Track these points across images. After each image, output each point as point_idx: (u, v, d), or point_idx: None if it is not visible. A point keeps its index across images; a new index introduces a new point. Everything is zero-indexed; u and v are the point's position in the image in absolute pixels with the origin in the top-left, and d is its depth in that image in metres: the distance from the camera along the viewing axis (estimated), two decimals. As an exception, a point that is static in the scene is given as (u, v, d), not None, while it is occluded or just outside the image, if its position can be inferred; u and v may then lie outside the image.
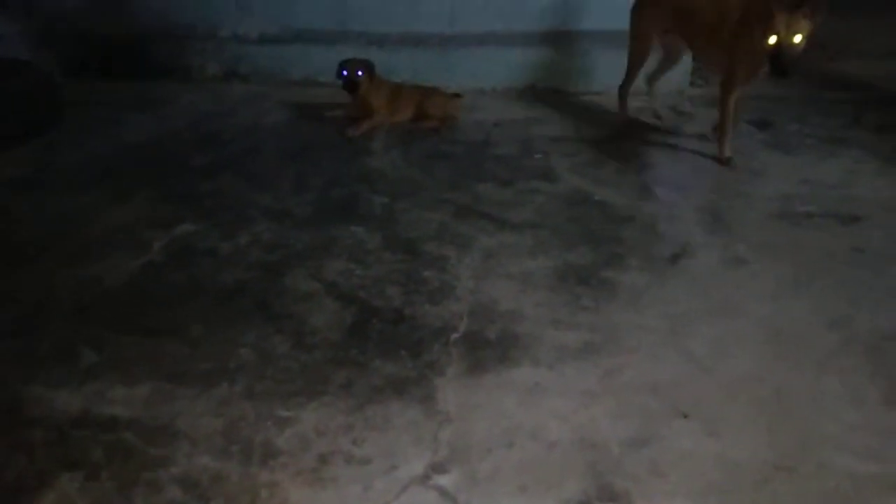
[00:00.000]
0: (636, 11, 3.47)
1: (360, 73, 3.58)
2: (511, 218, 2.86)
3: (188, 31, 4.28)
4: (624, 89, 3.68)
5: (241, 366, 2.10)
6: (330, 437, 1.86)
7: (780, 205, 2.92)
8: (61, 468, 1.77)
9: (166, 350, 2.16)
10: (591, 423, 1.89)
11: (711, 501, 1.68)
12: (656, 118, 3.67)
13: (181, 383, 2.03)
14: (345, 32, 4.14)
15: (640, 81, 3.79)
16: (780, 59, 2.75)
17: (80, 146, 3.51)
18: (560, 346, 2.17)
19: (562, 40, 4.11)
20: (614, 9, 4.00)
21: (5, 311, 2.35)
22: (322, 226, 2.81)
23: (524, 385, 2.02)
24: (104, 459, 1.79)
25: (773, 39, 2.72)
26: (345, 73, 3.59)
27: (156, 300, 2.40)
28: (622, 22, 3.96)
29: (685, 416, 1.91)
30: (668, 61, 3.58)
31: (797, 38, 2.71)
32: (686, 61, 3.62)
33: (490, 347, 2.16)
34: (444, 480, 1.73)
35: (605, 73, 4.06)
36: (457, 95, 3.81)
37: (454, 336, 2.21)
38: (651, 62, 3.59)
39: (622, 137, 3.62)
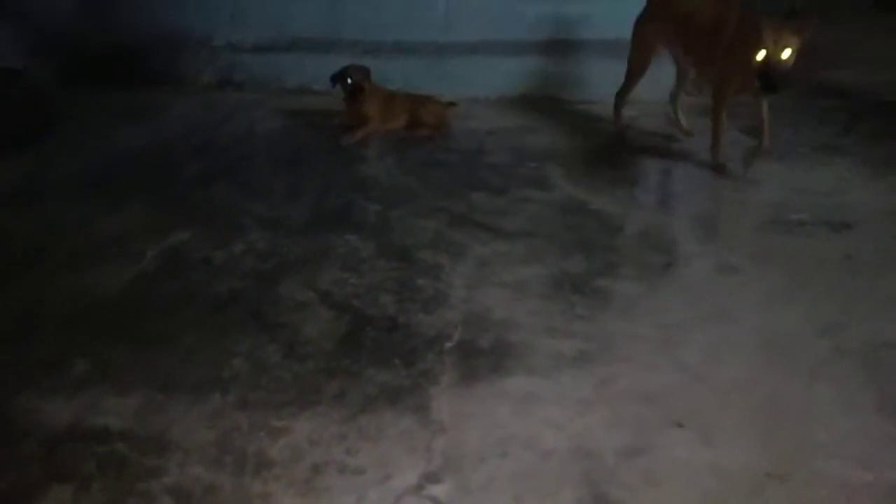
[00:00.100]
0: (640, 23, 3.46)
1: (349, 81, 3.59)
2: (505, 226, 2.86)
3: (182, 39, 4.28)
4: (620, 98, 3.68)
5: (234, 375, 2.09)
6: (323, 447, 1.85)
7: (772, 212, 2.93)
8: (52, 480, 1.76)
9: (159, 360, 2.15)
10: (585, 432, 1.89)
11: (705, 510, 1.68)
12: (684, 134, 3.62)
13: (174, 393, 2.02)
14: (339, 41, 4.15)
15: (636, 92, 3.82)
16: (769, 75, 2.75)
17: (73, 155, 3.50)
18: (554, 354, 2.17)
19: (555, 49, 4.12)
20: (608, 18, 4.03)
21: (-3, 320, 2.34)
22: (316, 234, 2.81)
23: (518, 394, 2.02)
24: (96, 471, 1.78)
25: (761, 55, 2.72)
26: (350, 80, 3.59)
27: (148, 309, 2.39)
28: (615, 31, 3.97)
29: (679, 425, 1.91)
30: (683, 76, 3.56)
31: (786, 54, 2.71)
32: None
33: (484, 356, 2.16)
34: (437, 490, 1.73)
35: (598, 82, 4.07)
36: (451, 104, 3.82)
37: (448, 345, 2.21)
38: (658, 75, 3.60)
39: (616, 146, 3.63)
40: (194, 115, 3.97)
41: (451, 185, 3.18)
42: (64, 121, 3.79)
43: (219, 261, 2.65)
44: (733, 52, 2.90)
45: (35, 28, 4.31)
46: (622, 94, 3.66)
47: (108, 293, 2.47)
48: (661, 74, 3.95)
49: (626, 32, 4.05)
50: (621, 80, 3.72)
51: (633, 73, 3.56)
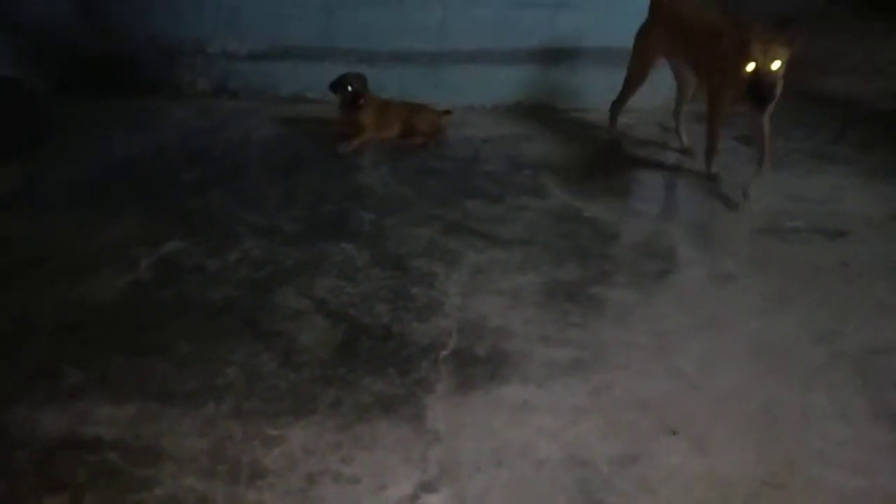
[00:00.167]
0: (642, 34, 3.45)
1: (349, 89, 3.59)
2: (500, 234, 2.86)
3: (177, 47, 4.27)
4: (616, 107, 3.68)
5: (228, 384, 2.08)
6: (318, 457, 1.84)
7: (767, 220, 2.94)
8: (45, 490, 1.75)
9: (152, 369, 2.15)
10: (580, 440, 1.89)
11: (701, 519, 1.68)
12: (684, 151, 3.60)
13: (167, 403, 2.01)
14: (333, 49, 4.15)
15: (631, 100, 3.84)
16: (758, 87, 2.73)
17: (67, 163, 3.49)
18: (549, 362, 2.17)
19: (550, 58, 4.13)
20: (602, 27, 4.05)
21: (-11, 329, 2.33)
22: (311, 242, 2.80)
23: (513, 403, 2.02)
24: (89, 481, 1.77)
25: (750, 66, 2.72)
26: (350, 88, 3.59)
27: (143, 318, 2.38)
28: (610, 40, 4.00)
29: (674, 433, 1.91)
30: (684, 90, 3.55)
31: (775, 65, 2.71)
32: (671, 78, 3.64)
33: (479, 364, 2.16)
34: (433, 499, 1.73)
35: (593, 91, 4.08)
36: (446, 112, 3.83)
37: (443, 353, 2.20)
38: (655, 83, 3.60)
39: (610, 154, 3.64)
40: (189, 123, 3.96)
41: (447, 194, 3.18)
42: (58, 128, 3.77)
43: (213, 269, 2.64)
44: (726, 63, 2.91)
45: (30, 35, 4.30)
46: (619, 103, 3.66)
47: (103, 301, 2.46)
48: (658, 83, 3.97)
49: (621, 41, 4.06)
50: (616, 88, 3.74)
51: (632, 84, 3.56)
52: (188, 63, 4.29)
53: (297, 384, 2.09)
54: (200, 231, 2.88)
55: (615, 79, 4.06)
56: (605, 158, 3.58)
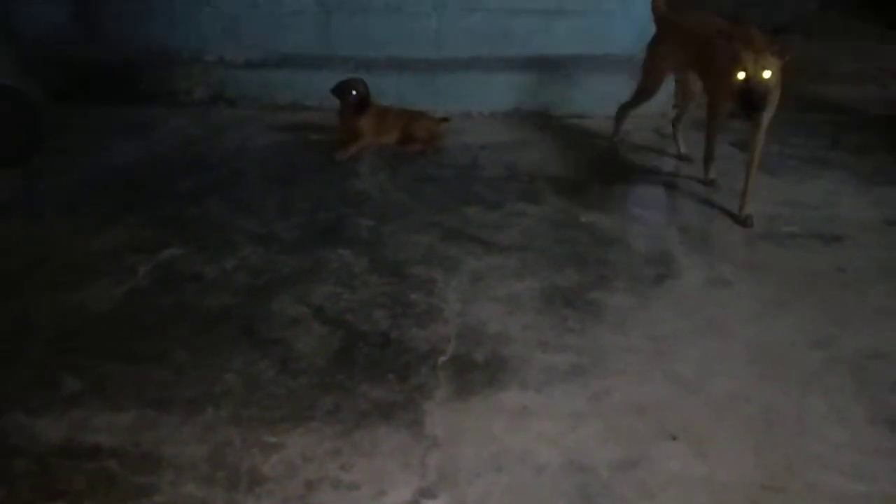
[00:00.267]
0: (651, 48, 3.42)
1: (354, 93, 3.61)
2: (499, 240, 2.87)
3: (174, 55, 4.29)
4: (621, 113, 3.66)
5: (226, 392, 2.08)
6: (317, 463, 1.84)
7: (763, 225, 2.95)
8: (44, 498, 1.75)
9: (151, 376, 2.14)
10: (579, 445, 1.89)
11: (701, 523, 1.68)
12: (681, 158, 3.60)
13: (166, 410, 2.01)
14: (331, 57, 4.16)
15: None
16: (748, 96, 2.71)
17: (64, 171, 3.49)
18: (548, 368, 2.17)
19: (546, 65, 4.15)
20: (597, 34, 4.07)
21: (-13, 338, 2.32)
22: (309, 249, 2.81)
23: (512, 408, 2.02)
24: (88, 489, 1.77)
25: (741, 75, 2.70)
26: (354, 93, 3.60)
27: (140, 326, 2.38)
28: (605, 47, 4.03)
29: (673, 438, 1.91)
30: (687, 101, 3.53)
31: (766, 75, 2.69)
32: (668, 85, 3.66)
33: (478, 370, 2.16)
34: (432, 506, 1.72)
35: (589, 97, 4.11)
36: (444, 119, 3.84)
37: (442, 359, 2.20)
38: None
39: (607, 160, 3.65)
40: (186, 131, 3.97)
41: (445, 200, 3.19)
42: (55, 137, 3.77)
43: (211, 276, 2.64)
44: (720, 71, 2.90)
45: (28, 44, 4.30)
46: (626, 109, 3.63)
47: (100, 309, 2.46)
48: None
49: (617, 49, 4.10)
50: (612, 95, 3.75)
51: (642, 92, 3.52)
52: (185, 71, 4.30)
53: (295, 391, 2.08)
54: (198, 238, 2.88)
55: (611, 86, 4.08)
56: (603, 165, 3.59)
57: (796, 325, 2.36)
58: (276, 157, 3.69)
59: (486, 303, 2.48)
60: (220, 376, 2.14)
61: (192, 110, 4.23)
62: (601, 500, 1.74)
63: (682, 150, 3.59)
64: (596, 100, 4.09)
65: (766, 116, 2.85)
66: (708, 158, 3.27)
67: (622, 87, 4.09)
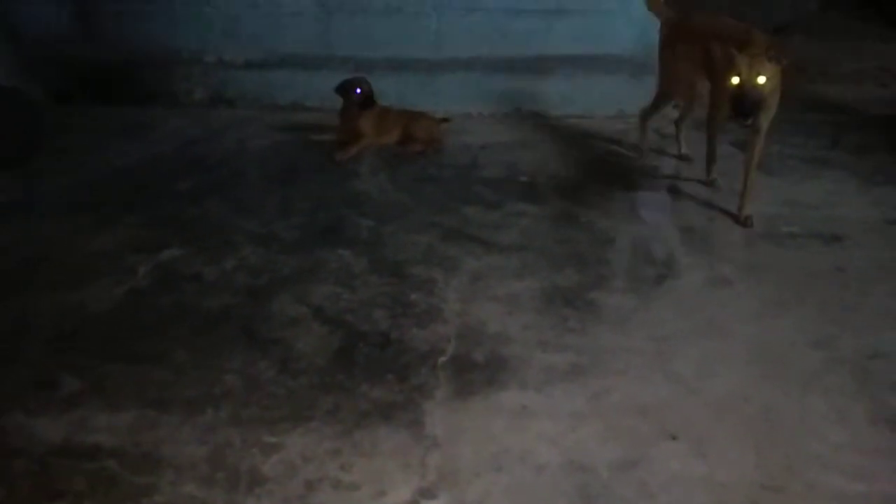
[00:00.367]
0: (661, 49, 3.37)
1: (358, 91, 3.61)
2: (498, 240, 2.87)
3: (174, 56, 4.29)
4: (643, 119, 3.59)
5: (226, 392, 2.08)
6: (317, 463, 1.84)
7: (763, 225, 2.95)
8: (43, 498, 1.74)
9: (150, 377, 2.14)
10: (579, 445, 1.89)
11: (701, 523, 1.68)
12: (681, 158, 3.59)
13: (165, 410, 2.01)
14: (331, 57, 4.16)
15: (626, 105, 3.83)
16: (741, 101, 2.67)
17: (64, 171, 3.49)
18: (547, 368, 2.17)
19: (546, 65, 4.15)
20: (597, 34, 4.07)
21: (-14, 338, 2.32)
22: (308, 250, 2.81)
23: (512, 408, 2.02)
24: (87, 489, 1.77)
25: (735, 80, 2.66)
26: (358, 91, 3.60)
27: (140, 326, 2.38)
28: (605, 47, 4.02)
29: (673, 438, 1.91)
30: (690, 102, 3.45)
31: (760, 80, 2.65)
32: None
33: (478, 370, 2.16)
34: (432, 506, 1.72)
35: (588, 97, 4.11)
36: (444, 120, 3.84)
37: (442, 359, 2.20)
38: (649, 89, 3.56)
39: (607, 159, 3.65)
40: (186, 132, 3.97)
41: (445, 200, 3.19)
42: (55, 138, 3.78)
43: (211, 277, 2.64)
44: (718, 76, 2.88)
45: (28, 45, 4.31)
46: (645, 116, 3.58)
47: (100, 310, 2.46)
48: (651, 89, 3.99)
49: (616, 48, 4.10)
50: (611, 95, 3.76)
51: (659, 98, 3.47)
52: (185, 72, 4.30)
53: (295, 391, 2.08)
54: (198, 239, 2.88)
55: (611, 85, 4.09)
56: (602, 165, 3.59)
57: (796, 325, 2.35)
58: (276, 158, 3.69)
59: (485, 303, 2.48)
60: (220, 376, 2.14)
61: (191, 111, 4.23)
62: (601, 500, 1.73)
63: (683, 150, 3.59)
64: (596, 100, 4.10)
65: (765, 119, 2.83)
66: (710, 159, 3.27)
67: (622, 87, 4.11)
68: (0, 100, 3.61)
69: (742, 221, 2.97)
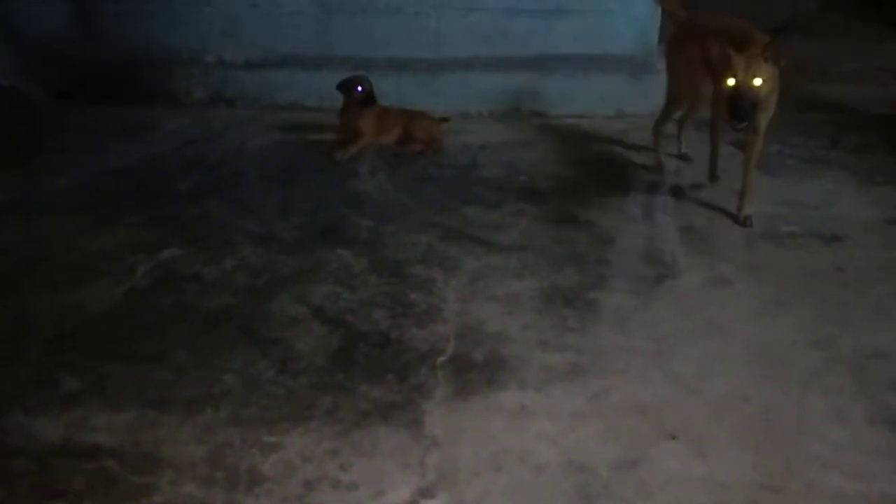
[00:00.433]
0: (671, 50, 3.33)
1: (359, 88, 3.61)
2: (498, 240, 2.87)
3: (174, 56, 4.29)
4: (657, 127, 3.52)
5: (226, 392, 2.08)
6: (316, 463, 1.84)
7: (763, 225, 2.95)
8: (43, 498, 1.74)
9: (150, 376, 2.14)
10: (579, 445, 1.89)
11: (700, 523, 1.68)
12: (682, 158, 3.57)
13: (165, 410, 2.01)
14: (330, 57, 4.17)
15: (624, 105, 3.83)
16: (738, 102, 2.63)
17: (64, 171, 3.49)
18: (547, 368, 2.17)
19: (546, 64, 4.15)
20: (597, 34, 4.07)
21: (-14, 338, 2.32)
22: (308, 250, 2.81)
23: (511, 408, 2.02)
24: (87, 489, 1.76)
25: (731, 81, 2.63)
26: (359, 88, 3.60)
27: (140, 326, 2.38)
28: (605, 46, 4.02)
29: (673, 438, 1.91)
30: (696, 100, 3.40)
31: (757, 82, 2.61)
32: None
33: (477, 370, 2.16)
34: (431, 505, 1.72)
35: (588, 97, 4.11)
36: (444, 119, 3.84)
37: (441, 359, 2.20)
38: (648, 88, 3.53)
39: (607, 159, 3.65)
40: (186, 132, 3.97)
41: (445, 200, 3.19)
42: (55, 137, 3.78)
43: (210, 277, 2.64)
44: (717, 77, 2.86)
45: (28, 45, 4.31)
46: (658, 124, 3.51)
47: (99, 310, 2.46)
48: (652, 88, 3.99)
49: (616, 48, 4.11)
50: (611, 94, 3.76)
51: (670, 103, 3.41)
52: (185, 72, 4.31)
53: (294, 391, 2.08)
54: (197, 239, 2.88)
55: (611, 85, 4.09)
56: (602, 164, 3.59)
57: (796, 325, 2.35)
58: (276, 158, 3.69)
59: (485, 302, 2.48)
60: (220, 376, 2.14)
61: (191, 110, 4.23)
62: (601, 500, 1.73)
63: (683, 149, 3.59)
64: (595, 99, 4.10)
65: (764, 119, 2.81)
66: (712, 160, 3.27)
67: (622, 87, 4.12)
68: (0, 99, 3.61)
69: (742, 221, 2.96)
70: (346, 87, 3.63)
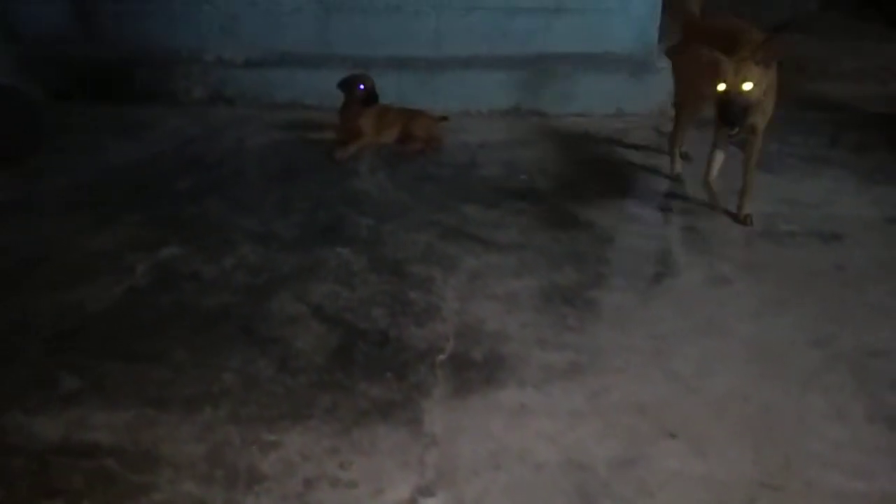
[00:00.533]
0: (674, 55, 3.23)
1: (361, 87, 3.60)
2: (497, 239, 2.86)
3: (173, 55, 4.29)
4: (671, 142, 3.41)
5: (225, 390, 2.08)
6: (315, 461, 1.84)
7: (762, 224, 2.95)
8: (42, 496, 1.74)
9: (149, 375, 2.14)
10: (578, 444, 1.89)
11: (699, 522, 1.68)
12: (681, 157, 3.48)
13: (164, 409, 2.01)
14: (330, 56, 4.16)
15: (623, 104, 3.82)
16: (727, 108, 2.57)
17: (63, 170, 3.49)
18: (546, 366, 2.17)
19: (545, 63, 4.15)
20: (597, 32, 4.07)
21: (-15, 337, 2.32)
22: (308, 248, 2.80)
23: (511, 406, 2.02)
24: (85, 487, 1.77)
25: (721, 86, 2.56)
26: (361, 87, 3.60)
27: (139, 325, 2.38)
28: (604, 45, 4.01)
29: (672, 436, 1.91)
30: (700, 105, 3.30)
31: (747, 86, 2.53)
32: (667, 83, 3.65)
33: (476, 369, 2.16)
34: (430, 503, 1.72)
35: (588, 96, 4.10)
36: (443, 118, 3.84)
37: (440, 357, 2.20)
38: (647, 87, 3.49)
39: (606, 158, 3.65)
40: (185, 131, 3.97)
41: (444, 199, 3.19)
42: (54, 136, 3.78)
43: (210, 275, 2.64)
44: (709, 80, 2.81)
45: (28, 44, 4.31)
46: (672, 138, 3.40)
47: (98, 309, 2.46)
48: (652, 87, 3.99)
49: (616, 47, 4.10)
50: (610, 93, 3.75)
51: (678, 114, 3.31)
52: (184, 70, 4.30)
53: (293, 389, 2.08)
54: (197, 238, 2.88)
55: (610, 84, 4.08)
56: (601, 163, 3.59)
57: (796, 324, 2.35)
58: (276, 156, 3.69)
59: (484, 301, 2.48)
60: (219, 375, 2.14)
61: (190, 109, 4.22)
62: (600, 499, 1.73)
63: (683, 148, 3.58)
64: (595, 98, 4.09)
65: (762, 120, 2.79)
66: (709, 161, 3.26)
67: (621, 86, 4.12)
68: (0, 98, 3.61)
69: (741, 220, 2.96)
70: (347, 85, 3.62)
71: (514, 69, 4.16)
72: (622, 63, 4.08)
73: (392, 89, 3.92)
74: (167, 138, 3.88)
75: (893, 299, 2.48)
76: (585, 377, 2.12)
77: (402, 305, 2.45)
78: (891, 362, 2.18)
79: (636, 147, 3.72)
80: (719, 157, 2.99)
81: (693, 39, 3.11)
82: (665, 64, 3.58)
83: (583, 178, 3.40)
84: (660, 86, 3.72)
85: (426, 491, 1.75)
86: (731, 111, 2.58)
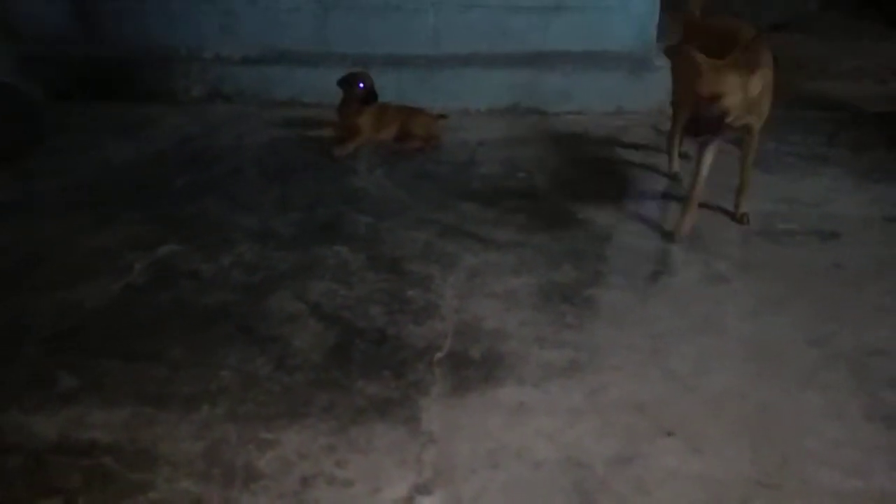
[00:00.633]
0: (673, 56, 3.21)
1: (361, 84, 3.60)
2: (496, 237, 2.86)
3: (172, 53, 4.29)
4: (669, 140, 3.39)
5: (222, 388, 2.08)
6: (312, 460, 1.84)
7: (760, 222, 2.95)
8: (39, 495, 1.74)
9: (147, 373, 2.14)
10: (576, 442, 1.89)
11: (696, 520, 1.68)
12: (680, 156, 3.44)
13: (162, 407, 2.01)
14: (328, 54, 4.16)
15: (622, 102, 3.82)
16: (696, 119, 2.46)
17: (62, 169, 3.49)
18: (544, 364, 2.17)
19: (544, 61, 4.15)
20: (596, 30, 4.07)
21: (-17, 335, 2.32)
22: (306, 246, 2.80)
23: (509, 404, 2.02)
24: (83, 486, 1.77)
25: (695, 92, 2.46)
26: (361, 84, 3.59)
27: (137, 323, 2.38)
28: (604, 43, 4.01)
29: (670, 434, 1.91)
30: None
31: (724, 95, 2.40)
32: (666, 81, 3.65)
33: (474, 367, 2.16)
34: (427, 502, 1.73)
35: (586, 94, 4.10)
36: (442, 116, 3.83)
37: (438, 356, 2.20)
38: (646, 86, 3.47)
39: (605, 156, 3.64)
40: (184, 129, 3.96)
41: (442, 197, 3.19)
42: (53, 134, 3.78)
43: (208, 273, 2.64)
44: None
45: (27, 42, 4.31)
46: (669, 139, 3.39)
47: (97, 306, 2.46)
48: (651, 86, 3.99)
49: (614, 45, 4.10)
50: (609, 91, 3.74)
51: (675, 114, 3.28)
52: (183, 69, 4.30)
53: (291, 388, 2.08)
54: (195, 236, 2.87)
55: (609, 82, 4.08)
56: (600, 161, 3.59)
57: (793, 322, 2.35)
58: (274, 154, 3.68)
59: (482, 299, 2.47)
60: (217, 373, 2.14)
61: (189, 108, 4.22)
62: (597, 496, 1.73)
63: (682, 147, 3.58)
64: (594, 96, 4.09)
65: (756, 120, 2.76)
66: (697, 161, 3.25)
67: (620, 84, 4.11)
68: (-2, 97, 3.61)
69: (739, 219, 2.96)
70: (347, 83, 3.62)
71: (513, 67, 4.15)
72: (621, 61, 4.08)
73: (391, 87, 3.92)
74: (166, 137, 3.88)
75: (891, 298, 2.48)
76: (584, 375, 2.12)
77: (401, 303, 2.45)
78: (889, 361, 2.18)
79: (635, 146, 3.72)
80: (708, 157, 2.96)
81: (692, 39, 3.11)
82: (664, 62, 3.58)
83: (581, 177, 3.40)
84: (659, 84, 3.71)
85: (424, 489, 1.75)
86: (697, 120, 2.48)
